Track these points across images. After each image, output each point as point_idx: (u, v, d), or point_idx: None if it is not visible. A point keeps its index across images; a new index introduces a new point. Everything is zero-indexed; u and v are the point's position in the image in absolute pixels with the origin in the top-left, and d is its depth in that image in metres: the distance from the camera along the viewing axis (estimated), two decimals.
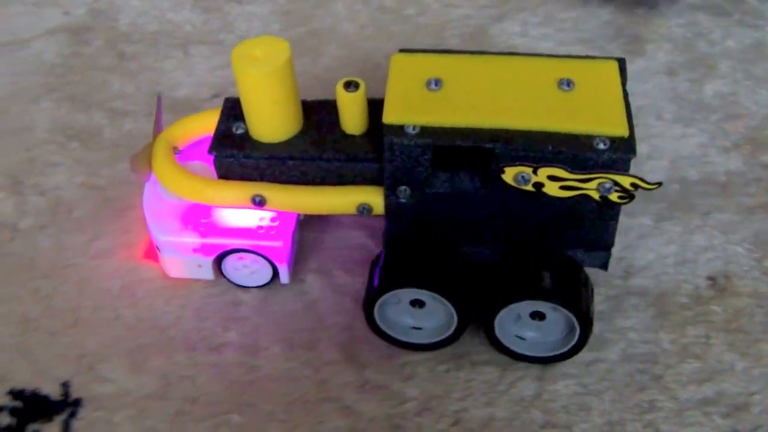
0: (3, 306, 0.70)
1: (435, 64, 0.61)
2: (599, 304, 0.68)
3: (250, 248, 0.66)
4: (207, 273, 0.69)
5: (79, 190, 0.78)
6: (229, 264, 0.69)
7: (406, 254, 0.63)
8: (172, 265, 0.70)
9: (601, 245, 0.63)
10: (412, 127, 0.57)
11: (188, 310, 0.69)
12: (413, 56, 0.62)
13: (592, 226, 0.61)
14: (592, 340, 0.63)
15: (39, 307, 0.70)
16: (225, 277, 0.70)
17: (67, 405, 0.64)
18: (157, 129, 0.69)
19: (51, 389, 0.65)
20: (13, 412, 0.64)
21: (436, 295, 0.61)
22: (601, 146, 0.55)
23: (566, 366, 0.64)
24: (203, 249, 0.67)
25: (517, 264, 0.62)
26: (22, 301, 0.70)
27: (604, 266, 0.64)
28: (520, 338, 0.64)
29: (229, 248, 0.66)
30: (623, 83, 0.59)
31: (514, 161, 0.56)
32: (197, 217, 0.68)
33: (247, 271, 0.69)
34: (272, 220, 0.66)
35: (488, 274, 0.62)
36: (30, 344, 0.68)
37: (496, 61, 0.61)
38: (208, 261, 0.68)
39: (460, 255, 0.63)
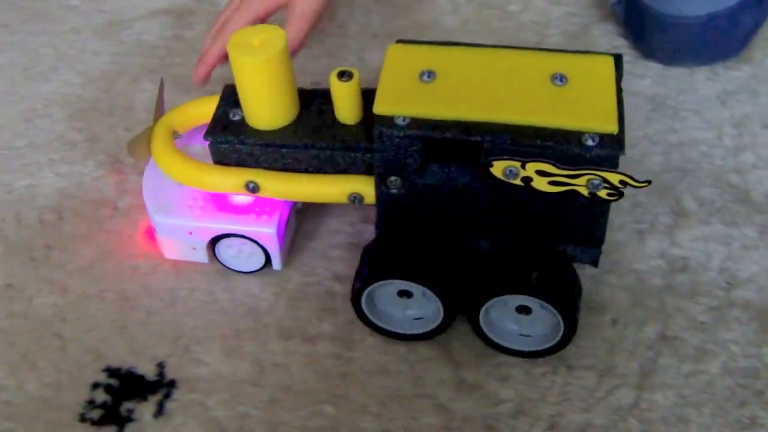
0: (101, 283, 0.71)
1: (430, 56, 0.61)
2: (701, 314, 0.66)
3: (242, 233, 0.66)
4: (201, 256, 0.70)
5: None
6: (223, 248, 0.69)
7: (394, 245, 0.63)
8: (168, 247, 0.70)
9: (591, 241, 0.62)
10: (402, 119, 0.57)
11: (283, 298, 0.69)
12: (410, 47, 0.62)
13: (582, 222, 0.60)
14: (691, 350, 0.62)
15: (136, 285, 0.70)
16: (219, 261, 0.70)
17: (162, 385, 0.64)
18: (160, 113, 0.69)
19: (146, 369, 0.66)
20: (108, 389, 0.65)
21: (421, 287, 0.61)
22: (590, 142, 0.55)
23: (665, 376, 0.63)
24: (197, 232, 0.67)
25: (503, 257, 0.62)
26: (121, 279, 0.71)
27: (595, 263, 0.63)
28: (506, 331, 0.64)
29: (221, 233, 0.67)
30: (618, 80, 0.59)
31: (502, 155, 0.56)
32: (194, 201, 0.68)
33: (241, 255, 0.69)
34: (265, 206, 0.67)
35: (474, 266, 0.62)
36: (127, 322, 0.68)
37: (492, 54, 0.61)
38: (203, 244, 0.69)
39: (452, 247, 0.63)
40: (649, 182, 0.55)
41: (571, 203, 0.58)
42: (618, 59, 0.60)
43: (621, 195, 0.57)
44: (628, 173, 0.55)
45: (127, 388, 0.64)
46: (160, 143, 0.67)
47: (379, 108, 0.58)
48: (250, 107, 0.63)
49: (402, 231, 0.64)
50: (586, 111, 0.56)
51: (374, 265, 0.62)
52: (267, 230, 0.66)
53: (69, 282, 0.71)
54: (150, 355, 0.66)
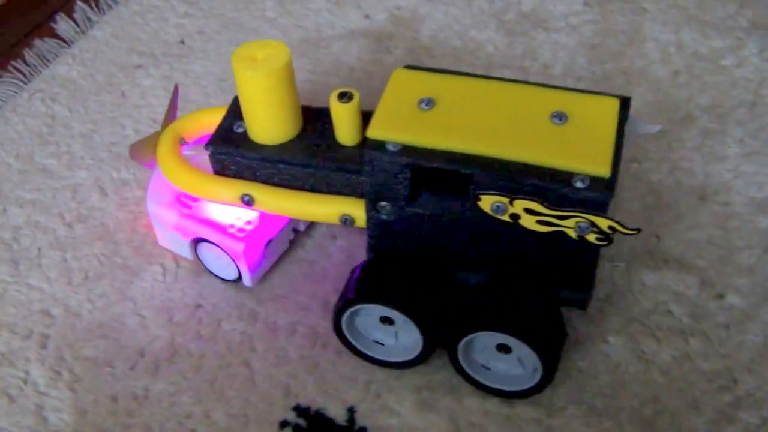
0: (292, 316, 0.68)
1: (432, 84, 0.60)
2: None
3: (215, 242, 0.67)
4: (186, 252, 0.71)
5: None
6: (204, 249, 0.70)
7: (380, 269, 0.62)
8: (160, 235, 0.72)
9: (580, 285, 0.60)
10: (393, 145, 0.57)
11: None
12: (415, 73, 0.61)
13: (571, 265, 0.59)
14: None
15: (329, 322, 0.67)
16: (200, 261, 0.71)
17: None
18: (171, 119, 0.70)
19: (336, 412, 0.63)
20: (296, 429, 0.62)
21: (402, 315, 0.60)
22: (579, 184, 0.53)
23: None
24: (181, 229, 0.69)
25: (486, 293, 0.61)
26: (312, 314, 0.68)
27: (583, 306, 0.62)
28: (486, 368, 0.62)
29: (199, 236, 0.68)
30: (621, 123, 0.57)
31: (490, 189, 0.55)
32: (188, 198, 0.69)
33: (219, 262, 0.70)
34: (248, 222, 0.67)
35: (456, 299, 0.61)
36: (318, 360, 0.66)
37: (496, 86, 0.60)
38: (185, 242, 0.70)
39: (438, 277, 0.62)
40: (639, 230, 0.54)
41: (561, 244, 0.57)
42: (625, 101, 0.58)
43: (610, 241, 0.55)
44: (617, 219, 0.53)
45: (316, 430, 0.61)
46: (165, 148, 0.67)
47: (372, 132, 0.57)
48: (250, 121, 0.63)
49: (391, 256, 0.63)
50: (580, 152, 0.55)
51: (357, 288, 0.61)
52: (236, 245, 0.66)
53: (259, 310, 0.69)
54: (340, 398, 0.63)
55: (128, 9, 0.99)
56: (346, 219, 0.63)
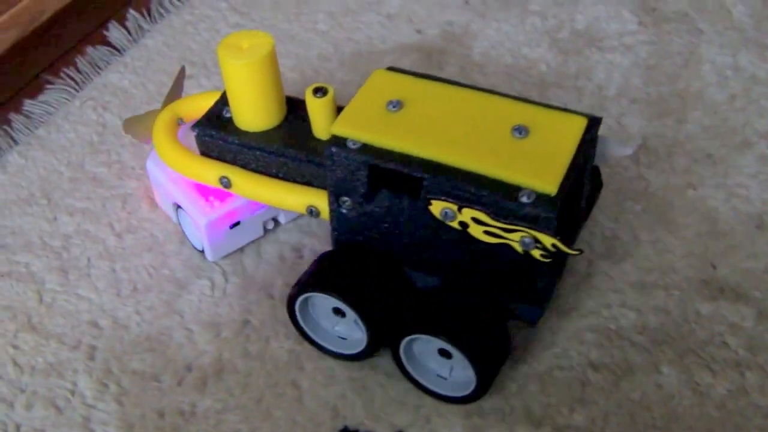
0: None
1: (407, 87, 0.62)
2: None
3: (185, 208, 0.71)
4: (171, 214, 0.75)
5: None
6: (182, 215, 0.73)
7: (335, 261, 0.64)
8: (157, 196, 0.77)
9: (531, 299, 0.61)
10: (353, 142, 0.59)
11: (533, 380, 0.64)
12: (393, 75, 0.63)
13: (520, 278, 0.59)
14: None
15: None
16: (179, 224, 0.75)
17: None
18: (172, 99, 0.73)
19: None
20: None
21: (348, 308, 0.61)
22: (525, 199, 0.54)
23: None
24: (164, 189, 0.73)
25: (431, 297, 0.62)
26: None
27: (533, 323, 0.63)
28: (427, 370, 0.63)
29: (174, 200, 0.72)
30: (585, 142, 0.58)
31: (440, 195, 0.56)
32: None
33: (191, 229, 0.73)
34: (224, 200, 0.70)
35: (402, 299, 0.63)
36: (367, 381, 0.65)
37: (467, 94, 0.61)
38: (169, 203, 0.73)
39: (390, 276, 0.64)
40: (581, 251, 0.55)
41: (509, 257, 0.57)
42: (594, 121, 0.59)
43: (554, 258, 0.55)
44: (560, 238, 0.54)
45: None
46: (161, 125, 0.70)
47: (336, 128, 0.59)
48: (234, 107, 0.66)
49: (352, 250, 0.65)
50: (532, 167, 0.55)
51: (312, 276, 0.63)
52: (200, 217, 0.69)
53: None
54: (389, 421, 0.63)
55: (180, 18, 0.99)
56: (312, 210, 0.65)
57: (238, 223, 0.71)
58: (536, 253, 0.56)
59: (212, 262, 0.73)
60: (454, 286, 0.62)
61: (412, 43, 0.93)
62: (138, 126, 0.73)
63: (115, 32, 0.97)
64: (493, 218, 0.55)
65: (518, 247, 0.56)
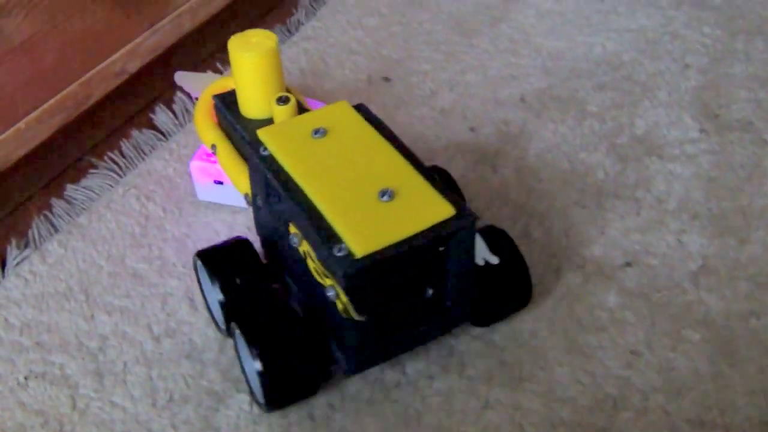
0: None
1: (346, 122, 0.66)
2: None
3: (190, 161, 0.83)
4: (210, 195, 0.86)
5: None
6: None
7: (233, 247, 0.71)
8: (198, 189, 0.86)
9: (342, 350, 0.62)
10: (264, 149, 0.64)
11: None
12: (349, 110, 0.68)
13: (335, 324, 0.61)
14: None
15: None
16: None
17: None
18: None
19: None
20: None
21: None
22: (337, 252, 0.56)
23: None
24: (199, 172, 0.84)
25: (279, 305, 0.68)
26: None
27: (348, 371, 0.64)
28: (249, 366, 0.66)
29: (192, 159, 0.83)
30: (444, 233, 0.58)
31: (292, 221, 0.61)
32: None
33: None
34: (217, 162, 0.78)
35: (250, 296, 0.68)
36: None
37: (379, 146, 0.64)
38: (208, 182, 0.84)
39: (273, 276, 0.70)
40: (366, 318, 0.57)
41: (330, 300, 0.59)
42: (463, 218, 0.59)
43: (350, 316, 0.57)
44: (354, 303, 0.56)
45: None
46: (205, 96, 0.79)
47: (261, 133, 0.65)
48: (238, 93, 0.72)
49: (263, 240, 0.72)
50: (364, 228, 0.57)
51: (209, 251, 0.71)
52: (193, 162, 0.82)
53: None
54: None
55: None
56: (247, 196, 0.70)
57: (221, 183, 0.81)
58: (338, 304, 0.57)
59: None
60: (307, 304, 0.67)
61: (466, 142, 0.91)
62: (191, 81, 0.85)
63: (161, 115, 0.95)
64: (315, 258, 0.59)
65: (332, 294, 0.58)
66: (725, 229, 0.81)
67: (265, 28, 1.01)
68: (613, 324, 0.73)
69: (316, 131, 0.64)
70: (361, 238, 0.56)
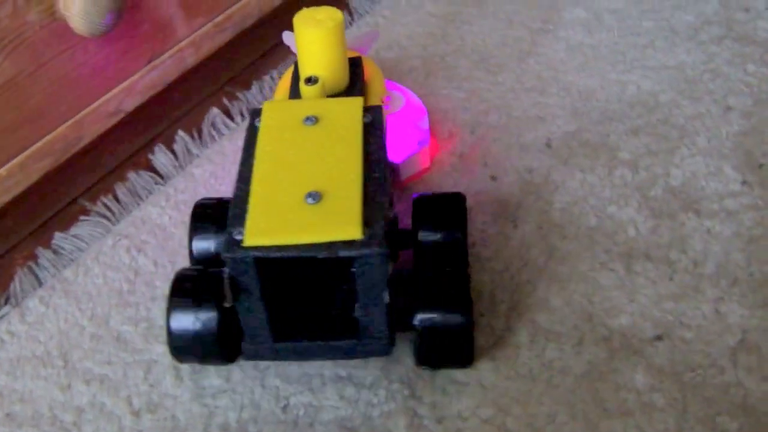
0: None
1: (342, 118, 0.66)
2: None
3: None
4: None
5: None
6: None
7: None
8: None
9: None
10: (259, 120, 0.66)
11: None
12: (359, 112, 0.67)
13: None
14: None
15: None
16: None
17: None
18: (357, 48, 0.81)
19: None
20: None
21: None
22: (235, 234, 0.57)
23: None
24: None
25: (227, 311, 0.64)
26: None
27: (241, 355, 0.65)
28: None
29: None
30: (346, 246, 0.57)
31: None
32: None
33: None
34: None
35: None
36: None
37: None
38: None
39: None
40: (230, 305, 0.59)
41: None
42: (371, 243, 0.57)
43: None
44: (231, 287, 0.58)
45: None
46: (284, 80, 0.77)
47: (267, 105, 0.67)
48: (301, 71, 0.72)
49: None
50: (271, 221, 0.58)
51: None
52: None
53: None
54: None
55: (232, 144, 0.90)
56: None
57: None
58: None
59: None
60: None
61: (486, 191, 0.84)
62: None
63: (161, 156, 0.89)
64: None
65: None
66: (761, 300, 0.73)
67: (269, 68, 0.95)
68: (640, 408, 0.66)
69: (308, 118, 0.65)
70: (259, 230, 0.57)
